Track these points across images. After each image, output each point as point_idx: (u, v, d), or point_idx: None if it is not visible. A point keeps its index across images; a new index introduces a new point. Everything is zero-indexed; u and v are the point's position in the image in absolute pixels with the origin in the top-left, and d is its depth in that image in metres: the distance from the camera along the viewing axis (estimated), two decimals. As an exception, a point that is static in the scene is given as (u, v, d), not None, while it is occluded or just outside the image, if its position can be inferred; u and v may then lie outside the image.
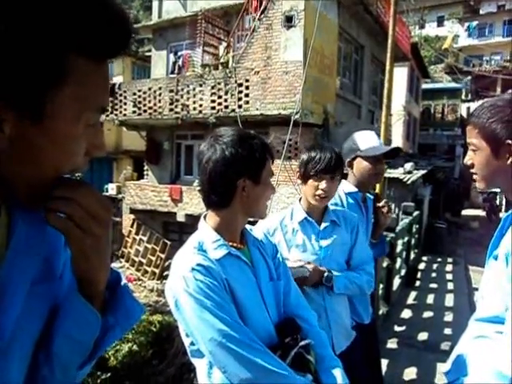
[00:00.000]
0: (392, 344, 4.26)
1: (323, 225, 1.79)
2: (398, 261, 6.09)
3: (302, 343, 1.26)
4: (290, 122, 7.86)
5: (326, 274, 1.75)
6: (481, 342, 1.23)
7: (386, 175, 8.73)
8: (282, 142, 8.96)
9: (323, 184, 1.70)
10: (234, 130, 1.24)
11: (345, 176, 2.10)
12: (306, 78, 9.51)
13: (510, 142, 1.16)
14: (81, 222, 0.59)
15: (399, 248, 5.94)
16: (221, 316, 1.12)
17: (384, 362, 3.81)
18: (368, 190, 2.14)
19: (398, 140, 18.95)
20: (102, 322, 0.66)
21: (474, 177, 1.30)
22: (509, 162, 1.17)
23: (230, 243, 1.26)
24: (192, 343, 1.21)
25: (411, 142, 22.22)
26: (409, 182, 8.47)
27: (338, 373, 1.26)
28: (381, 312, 4.69)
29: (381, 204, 2.18)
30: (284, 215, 1.81)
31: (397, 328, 4.70)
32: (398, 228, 5.68)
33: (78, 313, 0.64)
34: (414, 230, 7.62)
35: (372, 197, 2.25)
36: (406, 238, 6.61)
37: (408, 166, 9.25)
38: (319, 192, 1.71)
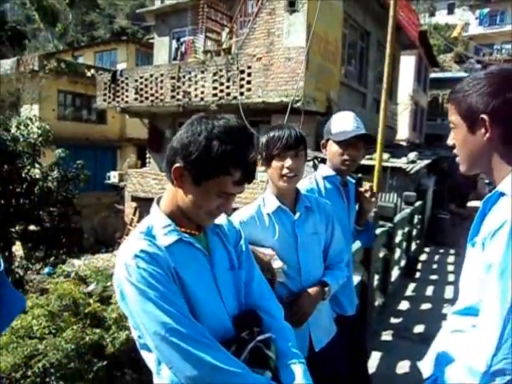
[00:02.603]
0: (387, 336, 4.15)
1: (298, 213, 1.67)
2: (398, 251, 5.96)
3: (261, 337, 1.15)
4: (293, 110, 7.69)
5: (327, 289, 1.67)
6: (456, 337, 1.13)
7: (389, 164, 8.57)
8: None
9: (288, 161, 1.57)
10: (233, 121, 1.11)
11: (324, 161, 1.97)
12: (308, 64, 9.33)
13: (484, 116, 1.03)
14: None
15: (399, 238, 5.80)
16: (165, 308, 1.02)
17: (377, 355, 3.73)
18: (347, 173, 2.01)
19: (404, 130, 18.68)
20: None
21: (457, 159, 1.19)
22: (485, 138, 1.05)
23: (183, 229, 1.15)
24: (139, 336, 1.11)
25: (418, 132, 21.92)
26: (412, 171, 8.28)
27: (299, 370, 1.15)
28: (377, 303, 4.58)
29: (363, 188, 2.06)
30: (259, 204, 1.69)
31: (393, 320, 4.59)
32: (398, 218, 5.55)
33: None
34: (415, 220, 7.47)
35: (354, 181, 2.12)
36: (406, 229, 6.46)
37: (412, 155, 9.04)
38: (285, 171, 1.58)
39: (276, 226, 1.64)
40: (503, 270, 0.94)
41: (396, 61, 14.89)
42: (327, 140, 1.98)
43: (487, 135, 1.04)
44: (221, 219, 1.32)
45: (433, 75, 23.77)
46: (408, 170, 8.26)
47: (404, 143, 16.73)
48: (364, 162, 8.74)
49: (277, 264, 1.53)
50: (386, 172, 8.48)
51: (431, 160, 9.47)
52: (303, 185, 1.92)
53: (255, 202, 1.70)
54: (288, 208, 1.67)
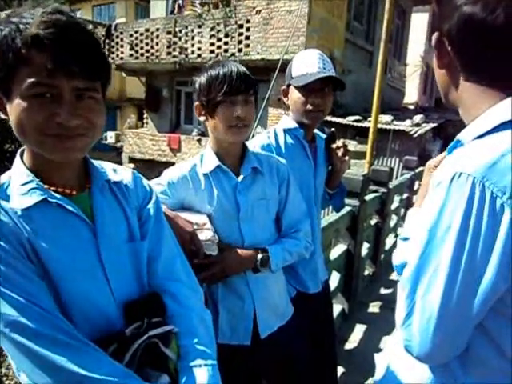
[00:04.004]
0: (374, 308, 3.92)
1: (242, 175, 1.35)
2: (394, 218, 5.66)
3: (155, 331, 0.87)
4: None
5: (259, 257, 1.34)
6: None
7: (391, 127, 8.14)
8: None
9: (238, 109, 1.24)
10: None
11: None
12: (311, 18, 8.74)
13: (441, 39, 0.80)
14: None
15: (395, 205, 5.49)
16: (7, 295, 0.74)
17: (362, 328, 3.51)
18: (313, 126, 1.67)
19: (413, 93, 17.95)
20: None
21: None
22: (445, 68, 0.82)
23: (53, 187, 0.85)
24: None
25: (428, 96, 21.11)
26: (415, 135, 7.86)
27: (204, 375, 0.87)
28: (366, 273, 4.34)
29: (335, 145, 1.72)
30: (195, 163, 1.37)
31: (383, 290, 4.35)
32: (395, 183, 5.22)
33: None
34: (416, 186, 7.12)
35: (324, 136, 1.78)
36: (405, 195, 6.14)
37: (417, 118, 8.57)
38: (235, 122, 1.25)
39: (214, 190, 1.33)
40: (426, 242, 0.72)
41: (406, 17, 14.06)
42: (288, 86, 1.64)
43: (445, 63, 0.80)
44: (123, 174, 1.02)
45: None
46: (412, 133, 7.84)
47: (412, 107, 16.07)
48: (361, 124, 8.36)
49: (205, 235, 1.23)
50: (388, 135, 8.08)
51: (438, 124, 8.99)
52: (259, 140, 1.60)
53: (191, 160, 1.39)
54: (230, 168, 1.35)
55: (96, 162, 0.98)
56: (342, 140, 1.73)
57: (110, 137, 14.99)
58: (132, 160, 13.19)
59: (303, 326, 1.61)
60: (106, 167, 1.00)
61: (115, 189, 0.97)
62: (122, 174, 1.01)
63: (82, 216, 0.86)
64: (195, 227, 1.22)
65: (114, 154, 16.04)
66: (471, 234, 0.65)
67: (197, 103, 1.33)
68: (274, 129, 1.66)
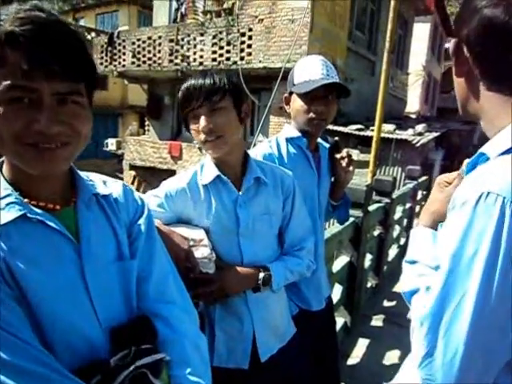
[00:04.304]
0: (377, 321, 3.83)
1: (244, 187, 1.27)
2: (397, 229, 5.58)
3: (144, 360, 0.79)
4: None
5: (261, 275, 1.26)
6: None
7: (393, 136, 8.08)
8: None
9: (202, 122, 1.15)
10: None
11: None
12: (313, 27, 8.72)
13: (460, 44, 0.75)
14: None
15: (398, 215, 5.40)
16: None
17: (365, 342, 3.41)
18: (316, 135, 1.60)
19: (414, 102, 17.92)
20: None
21: None
22: (464, 76, 0.76)
23: (34, 202, 0.78)
24: None
25: (430, 105, 21.10)
26: (418, 144, 7.79)
27: (196, 411, 0.79)
28: (369, 285, 4.24)
29: (339, 155, 1.65)
30: (195, 172, 1.30)
31: (386, 303, 4.26)
32: (398, 193, 5.14)
33: None
34: (419, 196, 7.04)
35: (328, 145, 1.71)
36: (408, 205, 6.06)
37: (419, 127, 8.52)
38: (201, 135, 1.17)
39: (213, 202, 1.25)
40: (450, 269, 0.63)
41: (408, 27, 14.08)
42: (290, 93, 1.57)
43: (464, 71, 0.75)
44: (113, 187, 0.95)
45: (448, 45, 22.60)
46: (414, 142, 7.77)
47: (414, 116, 16.03)
48: (364, 133, 8.30)
49: (201, 252, 1.15)
50: (390, 144, 8.01)
51: (440, 133, 8.94)
52: (260, 149, 1.53)
53: (191, 169, 1.31)
54: (231, 179, 1.27)
55: (83, 174, 0.90)
56: (346, 149, 1.66)
57: (111, 144, 14.96)
58: (133, 167, 13.14)
59: (305, 345, 1.53)
60: (95, 179, 0.93)
61: (104, 203, 0.89)
62: (111, 186, 0.94)
63: (65, 233, 0.79)
64: (191, 243, 1.14)
65: (115, 161, 16.01)
66: (502, 259, 0.57)
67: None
68: (275, 138, 1.59)
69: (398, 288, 4.76)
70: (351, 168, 1.64)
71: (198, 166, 1.32)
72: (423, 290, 0.72)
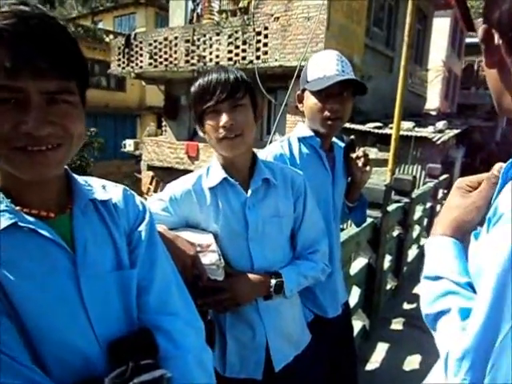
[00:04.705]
0: (397, 325, 3.72)
1: (252, 188, 1.21)
2: (417, 229, 5.43)
3: (142, 379, 0.74)
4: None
5: (273, 282, 1.20)
6: None
7: (413, 134, 7.90)
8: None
9: (223, 118, 1.09)
10: None
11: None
12: (329, 24, 8.60)
13: (483, 27, 0.64)
14: None
15: (418, 214, 5.26)
16: None
17: (384, 347, 3.31)
18: (331, 134, 1.52)
19: (434, 99, 17.55)
20: None
21: None
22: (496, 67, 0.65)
23: (27, 209, 0.74)
24: None
25: (450, 102, 20.65)
26: (439, 141, 7.60)
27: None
28: (388, 287, 4.13)
29: (355, 155, 1.57)
30: (200, 175, 1.24)
31: (406, 305, 4.14)
32: (418, 192, 5.00)
33: None
34: (440, 195, 6.86)
35: (343, 145, 1.63)
36: (428, 204, 5.91)
37: (440, 124, 8.31)
38: (220, 132, 1.11)
39: (220, 206, 1.20)
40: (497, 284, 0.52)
41: (428, 22, 13.78)
42: (303, 91, 1.50)
43: (495, 61, 0.64)
44: (113, 191, 0.90)
45: (469, 40, 22.05)
46: (435, 139, 7.58)
47: (434, 113, 15.69)
48: (382, 130, 8.14)
49: (209, 258, 1.10)
50: (409, 142, 7.84)
51: (461, 130, 8.71)
52: (271, 150, 1.46)
53: (196, 172, 1.26)
54: (239, 182, 1.21)
55: (81, 178, 0.86)
56: (362, 148, 1.58)
57: (129, 145, 15.11)
58: (151, 168, 13.24)
59: (321, 353, 1.47)
60: (94, 184, 0.88)
61: (102, 209, 0.84)
62: (111, 191, 0.89)
63: (59, 242, 0.74)
64: (198, 249, 1.09)
65: (133, 161, 16.17)
66: None
67: (192, 115, 1.20)
68: (287, 137, 1.52)
69: (419, 290, 4.63)
70: (368, 168, 1.56)
71: (203, 168, 1.26)
72: (455, 312, 0.63)
